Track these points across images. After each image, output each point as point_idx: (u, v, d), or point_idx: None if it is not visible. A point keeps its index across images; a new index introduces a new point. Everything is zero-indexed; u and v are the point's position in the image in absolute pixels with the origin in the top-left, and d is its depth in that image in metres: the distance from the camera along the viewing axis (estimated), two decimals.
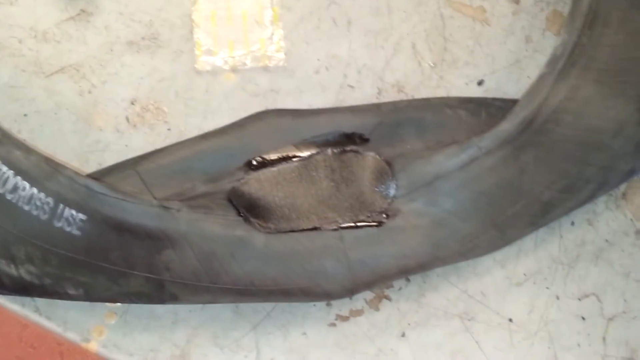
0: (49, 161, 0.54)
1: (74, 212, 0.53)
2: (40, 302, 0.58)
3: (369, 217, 0.61)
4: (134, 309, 0.58)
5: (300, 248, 0.59)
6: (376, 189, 0.61)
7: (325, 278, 0.59)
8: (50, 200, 0.53)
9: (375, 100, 0.65)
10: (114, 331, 0.58)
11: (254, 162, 0.61)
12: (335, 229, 0.60)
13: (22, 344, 0.66)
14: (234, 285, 0.57)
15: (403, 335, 0.61)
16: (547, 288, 0.63)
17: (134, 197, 0.55)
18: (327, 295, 0.59)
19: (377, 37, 0.66)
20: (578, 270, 0.64)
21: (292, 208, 0.60)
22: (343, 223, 0.60)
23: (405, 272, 0.61)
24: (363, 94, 0.65)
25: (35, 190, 0.53)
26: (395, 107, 0.64)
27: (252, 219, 0.58)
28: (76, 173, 0.55)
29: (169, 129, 0.62)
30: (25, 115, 0.62)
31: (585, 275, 0.64)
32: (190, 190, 0.59)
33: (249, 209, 0.59)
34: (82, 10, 0.64)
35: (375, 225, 0.60)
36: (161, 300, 0.56)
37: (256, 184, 0.60)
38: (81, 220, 0.53)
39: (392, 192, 0.61)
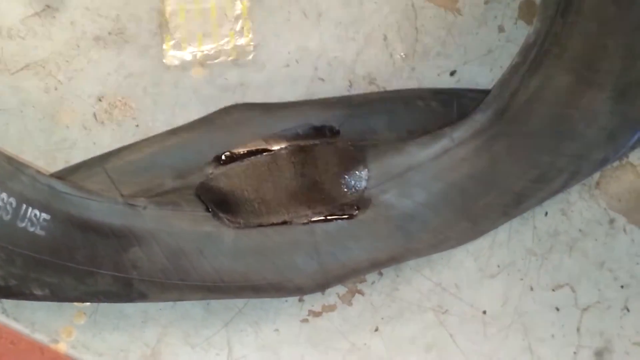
0: (10, 160, 0.53)
1: (37, 211, 0.52)
2: (8, 303, 0.57)
3: (339, 209, 0.60)
4: (103, 308, 0.57)
5: (270, 243, 0.58)
6: (347, 180, 0.61)
7: (297, 273, 0.58)
8: (12, 200, 0.52)
9: (346, 93, 0.64)
10: (83, 331, 0.57)
11: (223, 157, 0.60)
12: (305, 223, 0.59)
13: (1, 341, 0.64)
14: (203, 282, 0.56)
15: (376, 329, 0.61)
16: (521, 279, 0.63)
17: (99, 195, 0.55)
18: (298, 290, 0.59)
19: (347, 29, 0.65)
20: (552, 261, 0.63)
21: (261, 203, 0.59)
22: (313, 217, 0.59)
23: (377, 265, 0.60)
24: (334, 87, 0.64)
25: None
26: (366, 99, 0.63)
27: (220, 215, 0.58)
28: (39, 172, 0.54)
29: (137, 125, 0.61)
30: None
31: (559, 266, 0.63)
32: (158, 187, 0.58)
33: (218, 204, 0.58)
34: (47, 6, 0.63)
35: (346, 218, 0.60)
36: (130, 299, 0.55)
37: (225, 179, 0.59)
38: (45, 220, 0.52)
39: (363, 183, 0.60)
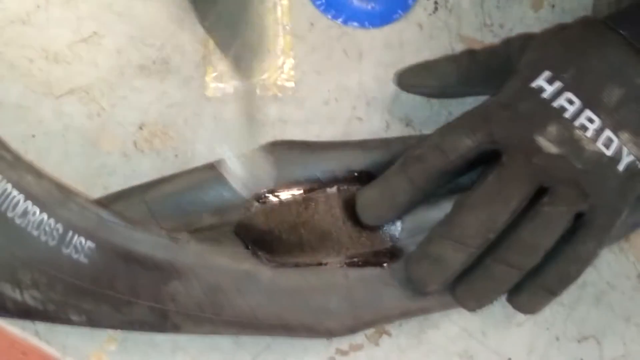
0: (60, 187, 0.54)
1: (83, 239, 0.53)
2: (41, 326, 0.57)
3: (372, 257, 0.60)
4: (134, 336, 0.57)
5: (306, 284, 0.58)
6: (381, 229, 0.61)
7: (328, 315, 0.58)
8: (59, 226, 0.52)
9: (383, 134, 0.63)
10: (113, 357, 0.57)
11: (262, 195, 0.60)
12: (340, 266, 0.59)
13: (13, 351, 0.64)
14: (237, 318, 0.56)
15: None
16: (547, 329, 0.62)
17: (144, 227, 0.55)
18: (328, 333, 0.58)
19: (387, 69, 0.64)
20: (579, 313, 0.63)
21: (297, 243, 0.59)
22: (347, 260, 0.60)
23: (408, 314, 0.60)
24: (371, 127, 0.64)
25: (45, 215, 0.53)
26: (405, 144, 0.62)
27: (259, 253, 0.58)
28: (87, 200, 0.55)
29: (176, 155, 0.61)
30: (33, 136, 0.61)
31: (585, 318, 0.63)
32: (196, 222, 0.59)
33: (256, 242, 0.58)
34: (95, 33, 0.63)
35: (379, 266, 0.60)
36: (163, 330, 0.56)
37: (263, 218, 0.59)
38: (89, 248, 0.53)
39: (396, 234, 0.61)
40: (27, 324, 0.57)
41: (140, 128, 0.62)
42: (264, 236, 0.59)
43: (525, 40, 0.62)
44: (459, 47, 0.67)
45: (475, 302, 0.58)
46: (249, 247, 0.58)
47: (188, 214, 0.59)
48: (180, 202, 0.59)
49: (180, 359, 0.58)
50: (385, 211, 0.60)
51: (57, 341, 0.57)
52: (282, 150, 0.60)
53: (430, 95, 0.65)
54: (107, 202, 0.58)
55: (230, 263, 0.56)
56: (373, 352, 0.62)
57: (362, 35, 0.66)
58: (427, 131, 0.66)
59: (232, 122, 0.62)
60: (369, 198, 0.60)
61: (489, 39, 0.68)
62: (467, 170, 0.60)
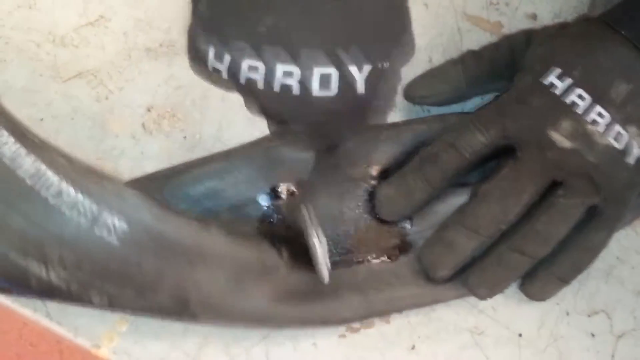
0: (94, 169, 0.53)
1: (116, 220, 0.51)
2: (52, 307, 0.56)
3: (382, 252, 0.60)
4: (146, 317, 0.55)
5: (317, 284, 0.57)
6: (391, 225, 0.61)
7: (342, 308, 0.58)
8: (94, 207, 0.51)
9: (392, 114, 0.61)
10: (125, 338, 0.56)
11: (279, 191, 0.60)
12: (350, 265, 0.60)
13: (21, 342, 0.63)
14: (255, 310, 0.56)
15: (413, 348, 0.60)
16: (557, 304, 0.62)
17: (176, 211, 0.54)
18: (343, 321, 0.59)
19: None
20: (589, 287, 0.62)
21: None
22: (359, 257, 0.60)
23: (419, 304, 0.60)
24: None
25: (80, 196, 0.51)
26: (415, 132, 0.62)
27: (281, 249, 0.58)
28: (121, 182, 0.54)
29: (184, 137, 0.60)
30: (41, 119, 0.60)
31: (595, 292, 0.62)
32: (214, 216, 0.58)
33: (278, 238, 0.58)
34: (101, 16, 0.62)
35: (389, 260, 0.60)
36: (180, 318, 0.55)
37: (280, 215, 0.60)
38: (122, 229, 0.51)
39: (406, 230, 0.61)
40: (39, 305, 0.56)
41: (149, 110, 0.61)
42: (282, 233, 0.58)
43: (528, 36, 0.63)
44: (465, 26, 0.66)
45: (486, 290, 0.59)
46: (272, 242, 0.58)
47: (207, 209, 0.58)
48: (198, 197, 0.58)
49: (191, 339, 0.57)
50: (402, 208, 0.60)
51: (69, 322, 0.57)
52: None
53: (440, 103, 0.65)
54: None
55: (254, 255, 0.55)
56: (384, 329, 0.60)
57: None
58: (434, 111, 0.65)
59: (241, 104, 0.60)
60: (387, 194, 0.60)
61: (495, 17, 0.67)
62: (480, 166, 0.60)
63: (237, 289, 0.55)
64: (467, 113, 0.63)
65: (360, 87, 0.46)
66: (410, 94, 0.64)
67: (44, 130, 0.58)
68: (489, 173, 0.59)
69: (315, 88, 0.45)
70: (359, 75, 0.46)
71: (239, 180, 0.59)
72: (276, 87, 0.44)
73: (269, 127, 0.50)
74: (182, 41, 0.63)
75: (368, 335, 0.60)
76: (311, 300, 0.57)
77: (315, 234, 0.55)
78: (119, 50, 0.63)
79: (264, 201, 0.60)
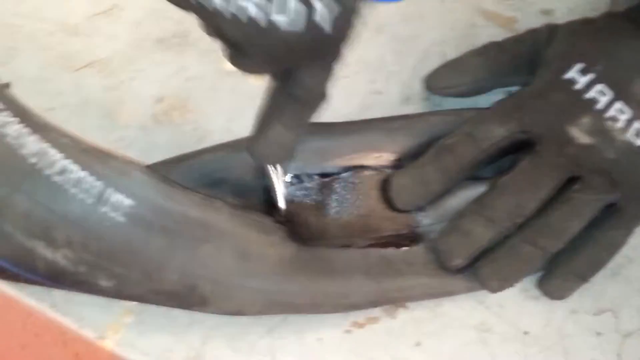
0: (99, 147, 0.52)
1: (121, 197, 0.50)
2: (58, 297, 0.56)
3: (394, 239, 0.59)
4: (151, 308, 0.55)
5: (328, 263, 0.56)
6: (403, 215, 0.59)
7: (352, 292, 0.56)
8: (99, 184, 0.50)
9: (402, 107, 0.59)
10: (130, 330, 0.56)
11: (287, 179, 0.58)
12: (363, 247, 0.58)
13: (26, 332, 0.62)
14: (263, 289, 0.54)
15: (418, 344, 0.59)
16: (564, 302, 0.61)
17: (181, 186, 0.53)
18: (353, 307, 0.57)
19: (407, 43, 0.61)
20: (595, 286, 0.61)
21: (323, 226, 0.58)
22: (371, 242, 0.58)
23: (430, 295, 0.58)
24: (390, 101, 0.60)
25: (84, 173, 0.50)
26: (428, 123, 0.60)
27: (288, 229, 0.56)
28: (127, 159, 0.53)
29: (194, 128, 0.59)
30: (51, 109, 0.58)
31: (602, 291, 0.61)
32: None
33: (284, 219, 0.57)
34: (114, 5, 0.60)
35: (400, 248, 0.58)
36: (189, 304, 0.54)
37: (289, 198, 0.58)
38: (128, 206, 0.50)
39: (419, 219, 0.59)
40: (44, 295, 0.55)
41: (159, 101, 0.60)
42: (294, 216, 0.57)
43: (551, 31, 0.61)
44: (479, 21, 0.64)
45: (498, 282, 0.58)
46: (279, 221, 0.56)
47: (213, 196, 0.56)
48: (204, 181, 0.56)
49: (196, 331, 0.56)
50: (417, 198, 0.59)
51: (74, 313, 0.56)
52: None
53: (461, 94, 0.64)
54: None
55: (260, 232, 0.54)
56: (389, 324, 0.59)
57: (382, 9, 0.63)
58: (446, 105, 0.64)
59: (251, 96, 0.58)
60: (403, 184, 0.59)
61: (510, 12, 0.65)
62: (496, 160, 0.59)
63: (244, 266, 0.54)
64: (483, 108, 0.61)
65: (328, 28, 0.44)
66: (432, 85, 0.63)
67: (53, 120, 0.57)
68: (505, 167, 0.58)
69: (283, 23, 0.43)
70: (328, 15, 0.44)
71: (244, 170, 0.57)
72: (242, 16, 0.42)
73: (223, 51, 0.47)
74: (194, 32, 0.61)
75: (373, 331, 0.59)
76: (320, 281, 0.56)
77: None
78: (130, 41, 0.61)
79: (267, 191, 0.58)
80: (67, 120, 0.59)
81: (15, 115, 0.49)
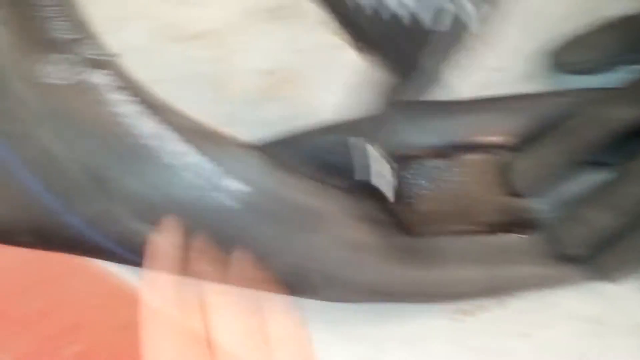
0: (215, 131, 0.52)
1: (236, 183, 0.50)
2: None
3: (510, 225, 0.56)
4: None
5: (441, 252, 0.54)
6: (522, 200, 0.57)
7: (463, 281, 0.55)
8: (214, 168, 0.49)
9: (523, 86, 0.56)
10: None
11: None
12: (479, 232, 0.56)
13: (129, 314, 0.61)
14: (372, 284, 0.53)
15: (527, 335, 0.57)
16: None
17: (296, 172, 0.52)
18: (462, 296, 0.56)
19: (531, 18, 0.57)
20: None
21: (433, 212, 0.56)
22: (483, 228, 0.56)
23: (544, 284, 0.56)
24: (511, 79, 0.61)
25: (199, 157, 0.49)
26: (550, 104, 0.58)
27: (398, 217, 0.54)
28: (243, 143, 0.52)
29: (305, 103, 0.56)
30: (158, 81, 0.55)
31: None
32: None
33: (394, 207, 0.55)
34: None
35: (518, 234, 0.56)
36: (302, 292, 0.53)
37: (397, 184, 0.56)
38: (244, 192, 0.49)
39: (534, 205, 0.57)
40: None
41: (269, 74, 0.57)
42: (404, 203, 0.55)
43: None
44: None
45: (620, 273, 0.56)
46: (388, 212, 0.55)
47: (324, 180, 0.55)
48: (315, 163, 0.54)
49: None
50: (540, 182, 0.57)
51: None
52: (415, 108, 0.53)
53: (589, 71, 0.61)
54: None
55: (371, 222, 0.53)
56: (497, 313, 0.58)
57: None
58: (570, 84, 0.61)
59: (364, 70, 0.56)
60: (525, 167, 0.56)
61: None
62: (618, 145, 0.56)
63: (355, 257, 0.52)
64: (610, 88, 0.59)
65: (474, 27, 0.43)
66: (560, 61, 0.61)
67: (160, 93, 0.55)
68: (627, 153, 0.56)
69: (428, 22, 0.40)
70: (475, 14, 0.43)
71: (351, 157, 0.55)
72: (385, 15, 0.40)
73: (353, 45, 0.47)
74: (306, 2, 0.58)
75: (482, 319, 0.58)
76: (431, 270, 0.54)
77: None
78: (240, 11, 0.60)
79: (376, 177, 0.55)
80: (174, 93, 0.58)
81: (132, 94, 0.48)
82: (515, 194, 0.57)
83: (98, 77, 0.49)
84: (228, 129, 0.58)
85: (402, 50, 0.45)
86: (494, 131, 0.58)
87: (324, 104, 0.60)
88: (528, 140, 0.57)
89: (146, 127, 0.48)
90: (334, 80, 0.60)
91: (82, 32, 0.50)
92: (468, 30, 0.42)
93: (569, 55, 0.61)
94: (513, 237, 0.56)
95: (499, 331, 0.58)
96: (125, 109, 0.49)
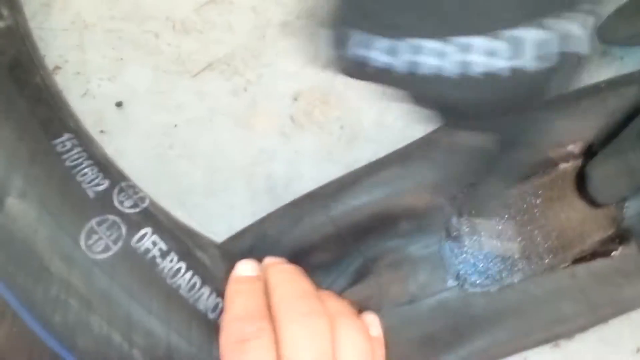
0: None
1: None
2: None
3: (599, 246, 0.50)
4: None
5: (530, 298, 0.48)
6: (602, 212, 0.50)
7: (563, 322, 0.49)
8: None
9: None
10: None
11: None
12: (566, 266, 0.49)
13: None
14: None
15: (638, 350, 0.50)
16: None
17: None
18: (563, 335, 0.50)
19: None
20: None
21: (514, 253, 0.49)
22: (572, 258, 0.49)
23: None
24: None
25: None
26: (621, 94, 0.51)
27: (466, 284, 0.48)
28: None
29: (341, 127, 0.52)
30: (175, 126, 0.50)
31: None
32: (391, 230, 0.49)
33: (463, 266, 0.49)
34: None
35: (608, 255, 0.49)
36: None
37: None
38: None
39: (624, 210, 0.50)
40: None
41: (295, 99, 0.52)
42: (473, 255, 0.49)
43: None
44: None
45: None
46: (454, 278, 0.48)
47: (382, 223, 0.48)
48: (370, 213, 0.48)
49: None
50: (623, 188, 0.50)
51: None
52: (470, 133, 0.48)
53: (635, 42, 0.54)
54: (293, 222, 0.47)
55: (439, 300, 0.48)
56: (602, 332, 0.50)
57: None
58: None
59: None
60: (605, 174, 0.49)
61: None
62: None
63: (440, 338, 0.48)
64: None
65: (586, 49, 0.35)
66: (611, 35, 0.53)
67: (180, 138, 0.49)
68: None
69: (530, 62, 0.33)
70: (585, 35, 0.34)
71: (418, 186, 0.48)
72: (472, 72, 0.33)
73: (439, 119, 0.39)
74: (324, 8, 0.50)
75: (584, 341, 0.51)
76: (525, 323, 0.48)
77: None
78: (250, 30, 0.52)
79: (449, 207, 0.49)
80: (194, 137, 0.51)
81: (175, 251, 0.43)
82: (599, 205, 0.51)
83: (143, 240, 0.43)
84: (263, 169, 0.50)
85: (506, 111, 0.37)
86: (565, 140, 0.51)
87: (363, 124, 0.52)
88: (602, 142, 0.51)
89: (204, 298, 0.43)
90: (370, 95, 0.52)
91: (113, 175, 0.44)
92: (581, 56, 0.35)
93: (619, 28, 0.54)
94: (610, 259, 0.50)
95: (605, 351, 0.51)
96: (180, 280, 0.43)
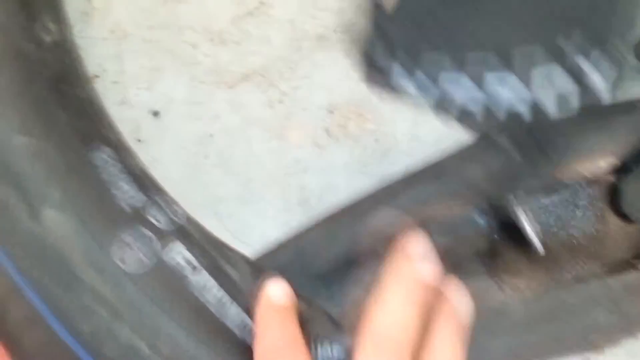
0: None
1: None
2: None
3: (633, 258, 0.50)
4: None
5: (564, 306, 0.48)
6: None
7: (597, 332, 0.48)
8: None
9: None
10: None
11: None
12: (599, 277, 0.49)
13: None
14: (508, 346, 0.47)
15: None
16: None
17: None
18: (598, 348, 0.50)
19: None
20: None
21: (553, 256, 0.48)
22: (605, 269, 0.49)
23: None
24: None
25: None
26: None
27: (504, 283, 0.48)
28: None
29: (376, 140, 0.52)
30: (210, 135, 0.50)
31: None
32: None
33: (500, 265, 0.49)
34: (261, 3, 0.51)
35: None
36: None
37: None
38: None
39: None
40: None
41: (331, 112, 0.53)
42: (505, 250, 0.49)
43: None
44: None
45: None
46: (492, 276, 0.48)
47: None
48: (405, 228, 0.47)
49: None
50: None
51: None
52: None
53: None
54: (330, 237, 0.47)
55: (478, 301, 0.44)
56: (632, 346, 0.50)
57: None
58: None
59: None
60: (637, 190, 0.49)
61: None
62: None
63: (495, 324, 0.47)
64: None
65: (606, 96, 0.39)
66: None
67: (215, 148, 0.50)
68: None
69: (552, 110, 0.33)
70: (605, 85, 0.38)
71: (451, 200, 0.49)
72: (499, 115, 0.33)
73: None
74: (360, 22, 0.50)
75: (614, 356, 0.51)
76: (559, 330, 0.48)
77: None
78: (287, 42, 0.53)
79: (480, 218, 0.49)
80: (229, 147, 0.51)
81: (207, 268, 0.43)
82: (632, 221, 0.50)
83: (175, 255, 0.43)
84: (296, 180, 0.50)
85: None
86: (597, 156, 0.50)
87: (397, 136, 0.52)
88: (635, 159, 0.50)
89: (231, 314, 0.42)
90: (403, 109, 0.52)
91: (148, 189, 0.43)
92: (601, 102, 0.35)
93: None
94: (637, 272, 0.49)
95: None
96: (209, 295, 0.42)
